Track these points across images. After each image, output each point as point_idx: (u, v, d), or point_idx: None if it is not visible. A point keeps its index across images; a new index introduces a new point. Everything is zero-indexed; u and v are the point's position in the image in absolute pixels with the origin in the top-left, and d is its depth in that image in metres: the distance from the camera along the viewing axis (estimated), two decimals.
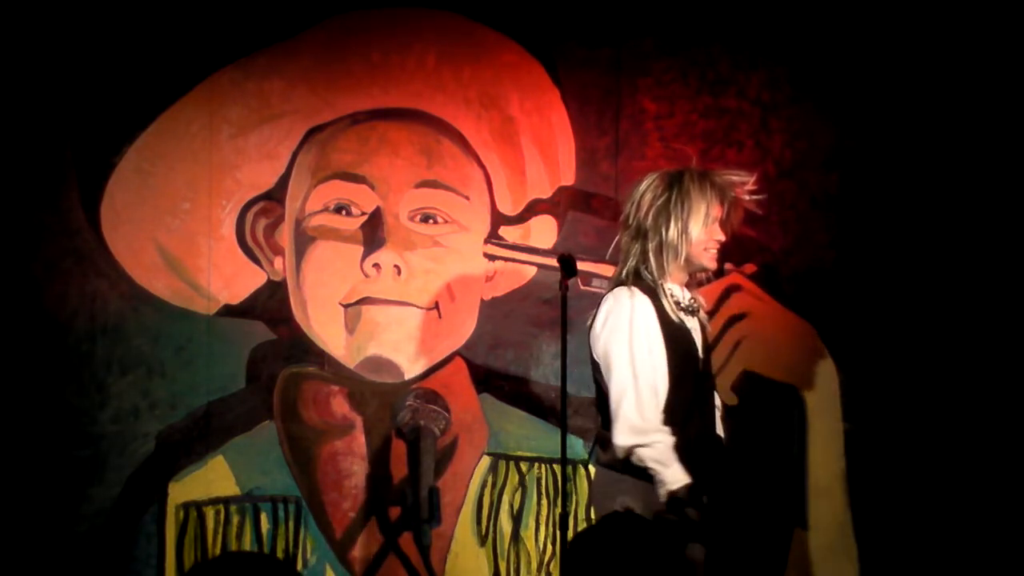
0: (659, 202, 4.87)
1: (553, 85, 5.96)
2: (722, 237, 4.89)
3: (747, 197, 4.92)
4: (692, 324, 4.90)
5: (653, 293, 4.84)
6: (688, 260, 4.88)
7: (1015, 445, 5.76)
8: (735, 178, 4.92)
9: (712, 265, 4.92)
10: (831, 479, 5.89)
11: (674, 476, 4.70)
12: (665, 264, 4.86)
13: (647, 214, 4.87)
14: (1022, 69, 5.79)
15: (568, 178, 5.96)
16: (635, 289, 4.84)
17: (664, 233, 4.85)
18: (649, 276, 4.85)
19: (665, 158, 5.76)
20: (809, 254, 5.92)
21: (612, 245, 5.05)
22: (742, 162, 5.85)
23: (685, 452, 4.84)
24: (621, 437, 4.72)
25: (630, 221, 4.91)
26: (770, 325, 5.73)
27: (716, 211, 4.87)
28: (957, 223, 5.83)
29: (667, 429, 4.73)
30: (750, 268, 5.88)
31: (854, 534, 5.88)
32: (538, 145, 5.96)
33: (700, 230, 4.85)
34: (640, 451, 4.71)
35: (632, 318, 4.81)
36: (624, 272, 4.90)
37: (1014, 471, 5.76)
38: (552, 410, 5.87)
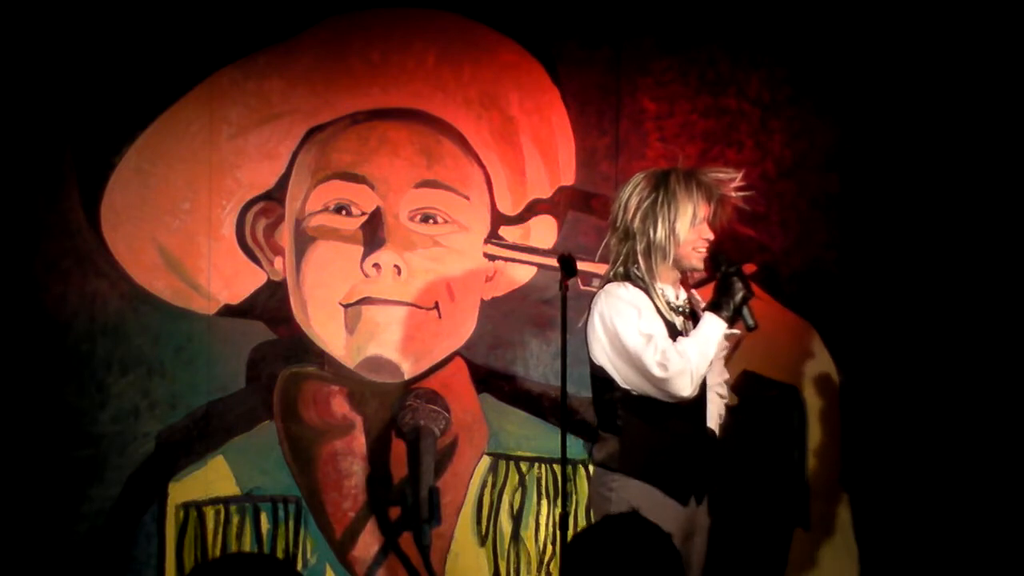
0: (646, 204, 4.86)
1: (553, 85, 5.96)
2: (710, 236, 4.88)
3: (735, 194, 4.92)
4: (686, 325, 4.90)
5: (645, 292, 4.85)
6: (677, 261, 4.88)
7: (1015, 445, 5.76)
8: (722, 176, 4.91)
9: (700, 265, 4.91)
10: (831, 479, 5.89)
11: (712, 332, 4.79)
12: (654, 265, 4.86)
13: (634, 216, 4.86)
14: (1022, 69, 5.79)
15: (568, 178, 5.96)
16: (626, 283, 4.87)
17: (652, 235, 4.85)
18: (639, 277, 4.86)
19: (665, 158, 5.76)
20: (809, 254, 5.92)
21: (602, 246, 5.05)
22: (742, 162, 5.85)
23: (674, 451, 4.85)
24: (676, 388, 4.77)
25: (617, 224, 4.91)
26: (770, 325, 5.73)
27: (703, 210, 4.87)
28: (957, 223, 5.83)
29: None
30: (750, 268, 5.86)
31: (854, 534, 5.88)
32: (538, 145, 5.96)
33: (687, 230, 4.85)
34: (688, 368, 4.76)
35: (632, 299, 4.84)
36: (613, 274, 4.91)
37: (1014, 471, 5.76)
38: (552, 410, 5.87)
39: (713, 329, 4.81)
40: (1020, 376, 5.77)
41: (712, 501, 4.98)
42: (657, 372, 4.75)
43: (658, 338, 4.77)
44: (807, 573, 5.87)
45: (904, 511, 5.82)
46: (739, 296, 4.83)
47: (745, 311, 4.86)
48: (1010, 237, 5.80)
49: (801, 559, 5.88)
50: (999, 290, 5.80)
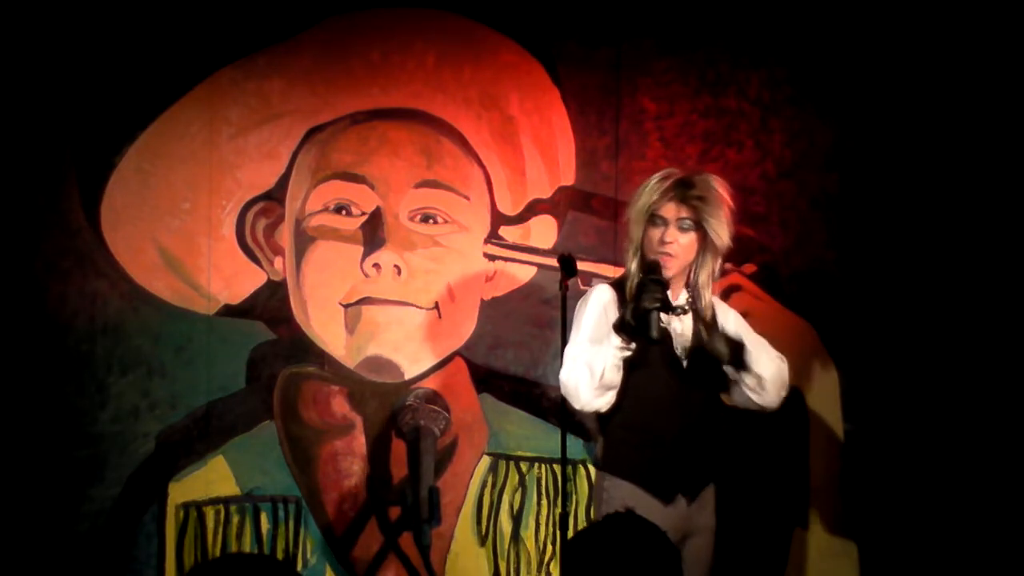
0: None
1: (553, 85, 5.96)
2: (671, 241, 4.81)
3: (708, 211, 4.81)
4: (674, 324, 4.87)
5: (620, 292, 4.86)
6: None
7: (1015, 445, 5.76)
8: (702, 181, 4.85)
9: (663, 273, 4.80)
10: (831, 479, 5.89)
11: (609, 344, 4.71)
12: (633, 264, 4.86)
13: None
14: (1022, 69, 5.79)
15: (568, 178, 5.96)
16: (604, 284, 4.92)
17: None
18: (625, 276, 4.89)
19: (665, 158, 5.77)
20: (809, 254, 5.92)
21: None
22: (742, 162, 5.86)
23: (650, 450, 4.83)
24: (566, 395, 4.79)
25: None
26: (770, 325, 5.72)
27: (664, 210, 4.82)
28: (957, 223, 5.83)
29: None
30: (750, 268, 5.88)
31: (854, 534, 5.88)
32: (538, 145, 5.96)
33: (640, 223, 4.83)
34: (568, 381, 4.76)
35: (586, 298, 4.88)
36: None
37: (1014, 471, 5.76)
38: (552, 410, 5.87)
39: (610, 342, 4.75)
40: (1020, 375, 5.77)
41: (720, 504, 4.96)
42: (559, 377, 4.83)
43: (569, 345, 4.82)
44: (807, 573, 5.87)
45: (903, 511, 5.82)
46: (642, 306, 4.63)
47: (652, 320, 4.63)
48: (1009, 237, 5.80)
49: (801, 559, 5.88)
50: (999, 290, 5.80)
